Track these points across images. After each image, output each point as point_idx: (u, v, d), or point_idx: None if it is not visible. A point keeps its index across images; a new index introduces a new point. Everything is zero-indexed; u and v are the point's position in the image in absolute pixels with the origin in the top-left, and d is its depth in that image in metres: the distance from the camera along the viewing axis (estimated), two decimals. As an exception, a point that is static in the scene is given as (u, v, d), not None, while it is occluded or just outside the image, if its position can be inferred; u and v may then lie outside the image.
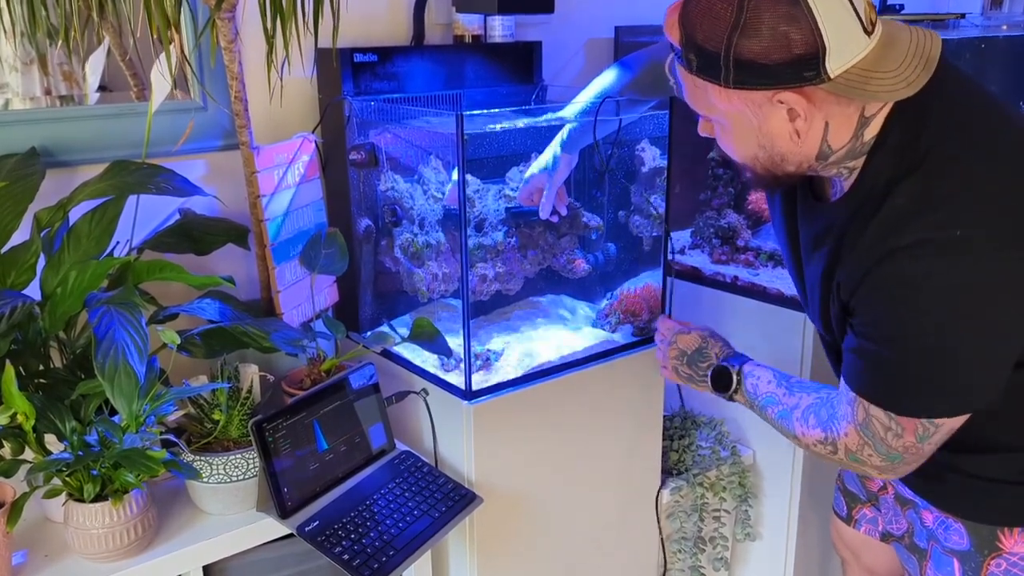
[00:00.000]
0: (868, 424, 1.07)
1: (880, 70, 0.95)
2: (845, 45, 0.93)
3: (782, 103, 0.99)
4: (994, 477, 1.15)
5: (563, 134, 1.55)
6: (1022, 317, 0.99)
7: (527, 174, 1.61)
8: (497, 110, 1.62)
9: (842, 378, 1.11)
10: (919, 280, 0.98)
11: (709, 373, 1.32)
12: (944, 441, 1.07)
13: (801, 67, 0.94)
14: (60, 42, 1.42)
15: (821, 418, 1.14)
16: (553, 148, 1.57)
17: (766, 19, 0.92)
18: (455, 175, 1.54)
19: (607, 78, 1.50)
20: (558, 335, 1.75)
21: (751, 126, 1.04)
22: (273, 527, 1.37)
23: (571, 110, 1.53)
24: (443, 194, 1.64)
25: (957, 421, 1.04)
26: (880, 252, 1.00)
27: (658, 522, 1.88)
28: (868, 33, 0.95)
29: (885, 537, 1.46)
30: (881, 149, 1.03)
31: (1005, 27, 2.34)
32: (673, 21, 1.03)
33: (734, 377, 1.28)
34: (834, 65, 0.94)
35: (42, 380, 1.32)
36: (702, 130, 1.14)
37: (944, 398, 1.03)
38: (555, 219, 1.66)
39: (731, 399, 1.30)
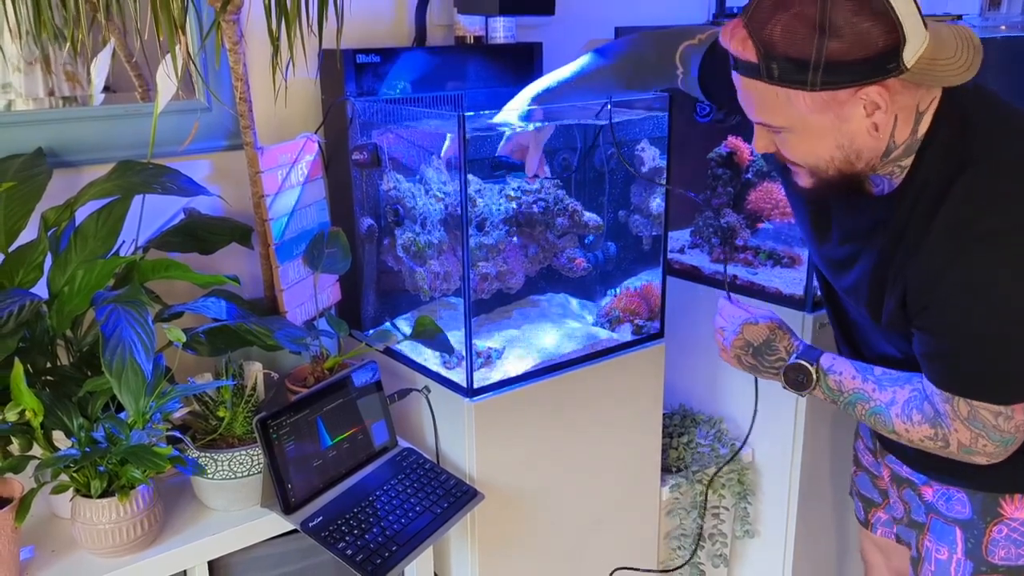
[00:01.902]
0: (975, 416, 1.09)
1: (941, 57, 1.01)
2: (915, 35, 0.99)
3: (864, 98, 1.03)
4: None
5: (538, 87, 1.53)
6: None
7: (509, 130, 1.58)
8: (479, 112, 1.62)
9: (929, 382, 1.13)
10: (998, 268, 1.01)
11: (783, 369, 1.30)
12: None
13: (884, 60, 0.99)
14: (67, 44, 1.43)
15: (927, 414, 1.14)
16: (527, 101, 1.55)
17: (850, 18, 0.97)
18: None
19: (580, 61, 1.50)
20: (559, 333, 1.77)
21: (831, 126, 1.07)
22: (277, 523, 1.38)
23: (547, 81, 1.52)
24: (445, 194, 1.65)
25: None
26: (952, 249, 1.04)
27: (702, 513, 1.89)
28: (925, 26, 1.01)
29: (899, 538, 1.48)
30: (932, 146, 1.08)
31: (1004, 27, 2.35)
32: (743, 36, 1.04)
33: (813, 375, 1.26)
34: (908, 55, 0.99)
35: (50, 377, 1.33)
36: (760, 147, 1.16)
37: None
38: (534, 182, 1.66)
39: (806, 395, 1.29)
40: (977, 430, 1.10)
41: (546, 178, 1.70)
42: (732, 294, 1.43)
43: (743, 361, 1.35)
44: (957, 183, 1.04)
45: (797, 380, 1.27)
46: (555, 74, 1.53)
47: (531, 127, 1.59)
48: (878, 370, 1.22)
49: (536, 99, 1.53)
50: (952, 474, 1.25)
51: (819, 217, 1.27)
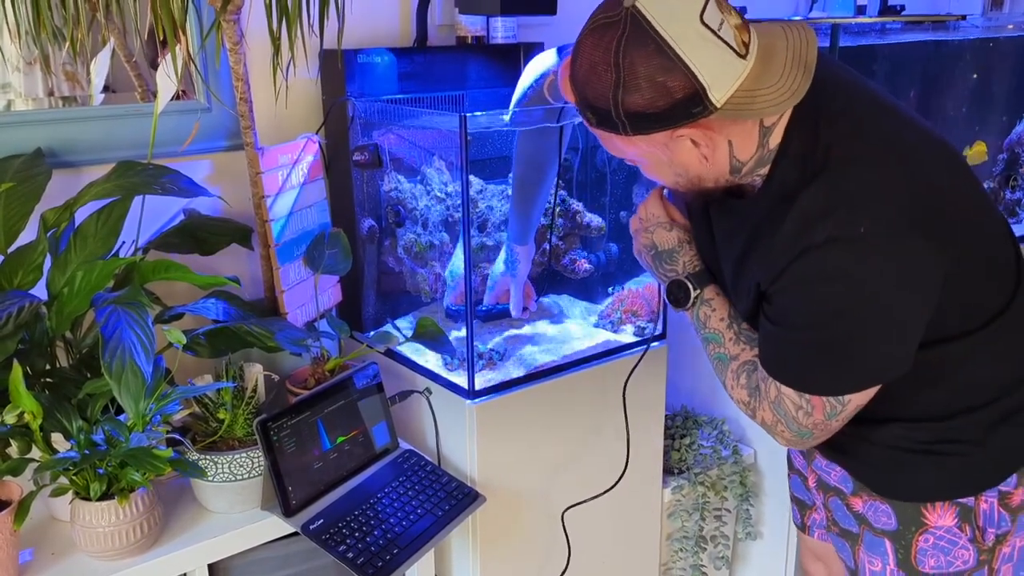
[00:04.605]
0: (780, 403, 1.14)
1: (763, 87, 1.01)
2: (723, 75, 0.99)
3: (682, 136, 1.05)
4: (902, 446, 1.21)
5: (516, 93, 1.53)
6: (919, 302, 1.07)
7: (490, 280, 1.71)
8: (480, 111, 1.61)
9: (758, 360, 1.19)
10: (826, 274, 1.05)
11: (669, 280, 1.33)
12: (851, 417, 1.14)
13: (687, 106, 1.00)
14: (67, 44, 1.42)
15: (751, 383, 1.20)
16: (507, 246, 1.67)
17: (642, 73, 0.98)
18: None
19: (542, 63, 1.45)
20: (560, 335, 1.76)
21: (663, 160, 1.11)
22: (277, 525, 1.38)
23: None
24: (446, 195, 1.65)
25: (863, 398, 1.12)
26: (794, 251, 1.07)
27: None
28: (743, 56, 1.00)
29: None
30: (785, 157, 1.09)
31: (1011, 27, 2.35)
32: (566, 83, 1.08)
33: (692, 298, 1.29)
34: (718, 95, 0.99)
35: (49, 379, 1.32)
36: (629, 161, 1.20)
37: (849, 377, 1.11)
38: (525, 315, 1.73)
39: (680, 312, 1.32)
40: (779, 415, 1.15)
41: (534, 310, 1.79)
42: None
43: (644, 258, 1.38)
44: (803, 194, 1.07)
45: (675, 295, 1.31)
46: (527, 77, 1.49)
47: (499, 268, 1.69)
48: (746, 325, 1.25)
49: (515, 238, 1.64)
50: (873, 486, 1.27)
51: (707, 234, 1.28)
